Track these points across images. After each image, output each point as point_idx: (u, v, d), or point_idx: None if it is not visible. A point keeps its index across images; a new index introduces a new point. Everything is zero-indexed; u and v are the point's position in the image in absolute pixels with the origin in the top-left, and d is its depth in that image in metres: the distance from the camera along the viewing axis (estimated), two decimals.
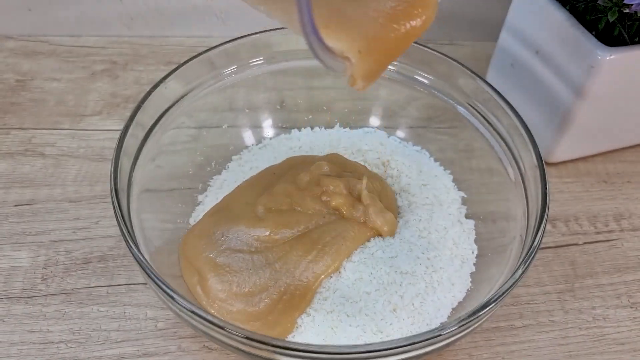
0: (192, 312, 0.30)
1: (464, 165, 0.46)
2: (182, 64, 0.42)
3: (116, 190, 0.35)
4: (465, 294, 0.38)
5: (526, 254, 0.33)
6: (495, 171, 0.43)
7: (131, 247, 0.32)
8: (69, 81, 0.55)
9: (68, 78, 0.55)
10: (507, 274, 0.35)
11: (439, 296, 0.37)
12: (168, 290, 0.31)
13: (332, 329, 0.35)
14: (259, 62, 0.46)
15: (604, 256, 0.45)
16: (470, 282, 0.39)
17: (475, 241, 0.41)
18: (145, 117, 0.40)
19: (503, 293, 0.31)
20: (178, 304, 0.30)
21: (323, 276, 0.37)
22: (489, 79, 0.56)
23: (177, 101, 0.43)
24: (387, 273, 0.37)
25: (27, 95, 0.53)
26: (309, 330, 0.36)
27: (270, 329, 0.35)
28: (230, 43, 0.44)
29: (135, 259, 0.32)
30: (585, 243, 0.46)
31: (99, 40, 0.59)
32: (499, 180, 0.42)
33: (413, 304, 0.37)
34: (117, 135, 0.51)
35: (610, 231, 0.47)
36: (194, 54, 0.43)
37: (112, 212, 0.35)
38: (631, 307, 0.42)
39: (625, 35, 0.44)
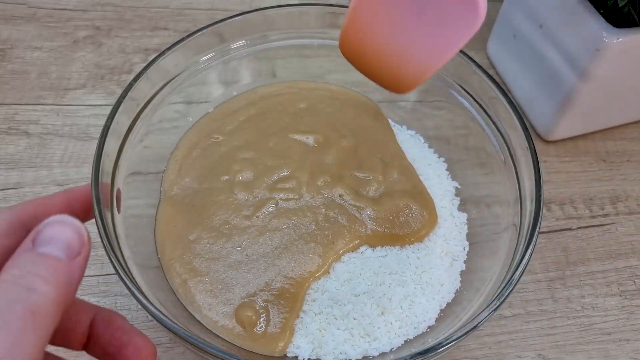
0: (185, 339, 0.30)
1: (459, 144, 0.44)
2: (173, 45, 0.41)
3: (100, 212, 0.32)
4: (453, 295, 0.38)
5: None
6: (487, 153, 0.41)
7: (124, 280, 0.31)
8: (50, 50, 0.53)
9: (50, 46, 0.53)
10: (497, 279, 0.34)
11: (427, 298, 0.37)
12: (161, 317, 0.30)
13: (319, 331, 0.35)
14: (244, 43, 0.44)
15: (597, 242, 0.45)
16: (460, 281, 0.39)
17: (467, 236, 0.41)
18: (135, 97, 0.38)
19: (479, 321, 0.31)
20: (171, 330, 0.30)
21: (307, 284, 0.37)
22: (489, 47, 0.53)
23: (168, 81, 0.41)
24: (376, 274, 0.37)
25: (8, 67, 0.51)
26: (297, 332, 0.35)
27: (263, 348, 0.35)
28: (222, 22, 0.42)
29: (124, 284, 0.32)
30: (579, 228, 0.45)
31: (80, 2, 0.56)
32: (491, 163, 0.41)
33: (401, 307, 0.36)
34: (102, 111, 0.49)
35: (605, 215, 0.46)
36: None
37: None
38: (620, 296, 0.42)
39: (635, 16, 0.41)
